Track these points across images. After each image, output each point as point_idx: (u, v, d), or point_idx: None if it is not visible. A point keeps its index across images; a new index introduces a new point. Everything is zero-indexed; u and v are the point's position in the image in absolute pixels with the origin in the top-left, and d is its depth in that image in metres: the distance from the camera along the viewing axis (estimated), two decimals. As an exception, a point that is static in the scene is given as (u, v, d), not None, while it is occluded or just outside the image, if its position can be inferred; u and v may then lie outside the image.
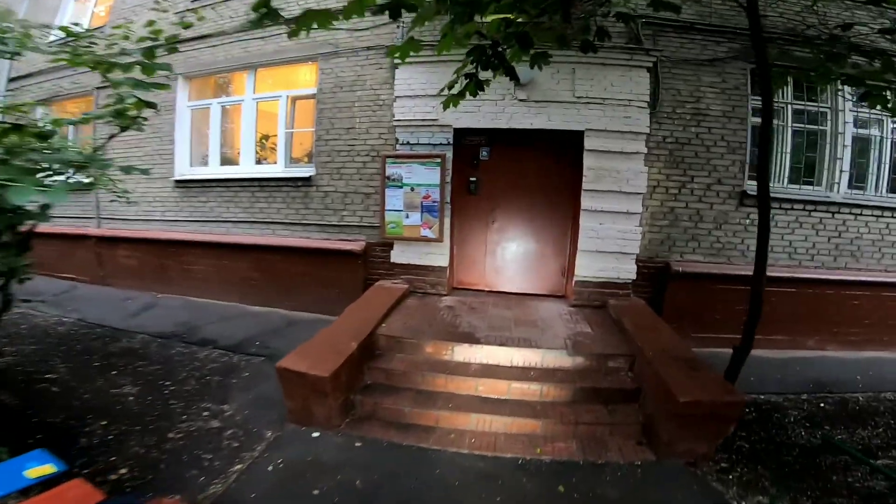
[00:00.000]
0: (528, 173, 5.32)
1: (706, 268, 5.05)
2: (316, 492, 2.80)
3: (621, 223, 4.95)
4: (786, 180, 5.23)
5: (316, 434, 3.40)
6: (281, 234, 5.89)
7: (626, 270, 5.03)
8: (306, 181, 5.72)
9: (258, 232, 6.00)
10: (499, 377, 3.82)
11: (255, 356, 4.75)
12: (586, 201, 4.98)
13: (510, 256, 5.55)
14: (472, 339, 4.16)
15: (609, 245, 4.99)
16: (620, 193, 4.93)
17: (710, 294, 5.00)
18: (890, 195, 5.26)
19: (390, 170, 5.15)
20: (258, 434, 3.40)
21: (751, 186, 4.87)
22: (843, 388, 4.53)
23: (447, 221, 5.23)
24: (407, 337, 4.20)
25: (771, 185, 4.58)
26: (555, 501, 2.80)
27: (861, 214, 5.14)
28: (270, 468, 3.01)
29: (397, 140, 5.26)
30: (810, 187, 5.26)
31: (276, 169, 6.05)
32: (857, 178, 5.24)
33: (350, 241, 5.59)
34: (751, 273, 4.59)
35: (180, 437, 3.32)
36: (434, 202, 5.09)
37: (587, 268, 5.06)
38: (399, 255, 5.42)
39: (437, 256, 5.33)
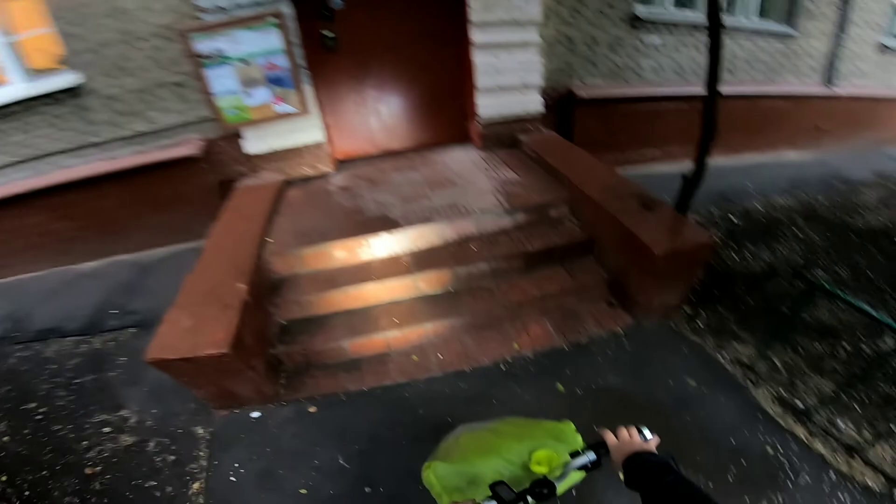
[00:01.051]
0: (399, 15, 3.98)
1: (609, 91, 5.00)
2: (304, 491, 2.29)
3: (520, 54, 4.21)
4: (671, 5, 5.17)
5: (256, 414, 2.73)
6: (69, 165, 4.09)
7: (533, 102, 4.50)
8: (73, 91, 3.81)
9: (32, 173, 4.09)
10: (437, 265, 3.20)
11: (121, 330, 3.57)
12: (477, 35, 4.01)
13: (399, 111, 4.49)
14: (388, 223, 3.35)
15: (510, 79, 4.28)
16: (514, 24, 4.06)
17: (614, 116, 5.07)
18: (759, 20, 5.70)
19: (203, 46, 3.47)
20: (189, 436, 2.66)
21: (641, 11, 4.84)
22: (741, 196, 4.88)
23: (309, 89, 3.92)
24: (306, 245, 3.24)
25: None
26: (563, 406, 2.55)
27: (735, 36, 5.43)
28: (233, 478, 2.39)
29: (199, 8, 3.52)
30: (692, 12, 5.23)
31: (14, 90, 3.83)
32: (731, 5, 5.54)
33: (178, 145, 4.07)
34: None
35: (102, 470, 2.51)
36: (283, 71, 3.67)
37: (490, 106, 4.36)
38: (256, 143, 4.10)
39: (309, 132, 4.12)
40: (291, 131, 4.06)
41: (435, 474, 1.33)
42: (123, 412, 2.86)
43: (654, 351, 2.90)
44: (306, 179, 4.29)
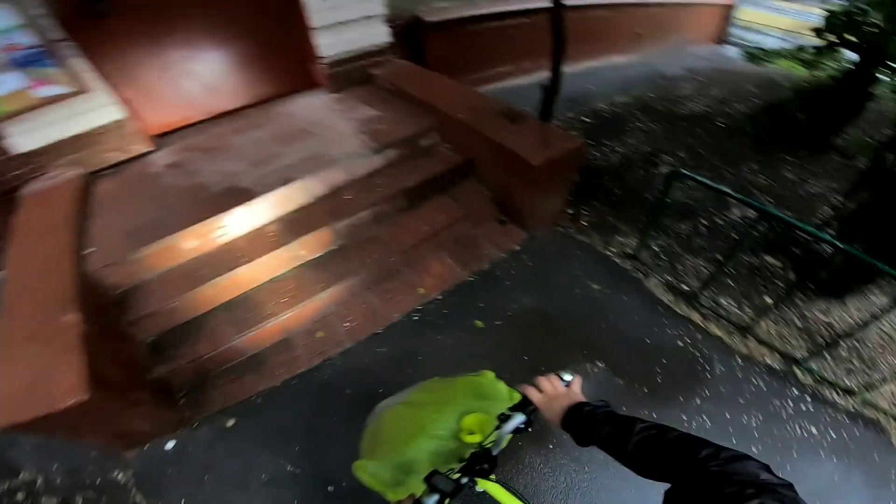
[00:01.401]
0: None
1: (455, 13, 4.87)
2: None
3: (355, -14, 3.71)
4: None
5: (171, 444, 2.29)
6: None
7: (379, 34, 4.07)
8: None
9: None
10: (313, 225, 2.81)
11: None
12: (302, -32, 3.37)
13: (222, 66, 3.67)
14: (241, 194, 2.80)
15: (349, 13, 3.77)
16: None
17: (464, 37, 5.01)
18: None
19: None
20: (115, 483, 2.20)
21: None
22: (587, 99, 5.21)
23: (82, 63, 2.99)
24: (144, 245, 2.56)
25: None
26: (486, 342, 2.49)
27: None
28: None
29: None
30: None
31: None
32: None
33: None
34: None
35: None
36: (31, 49, 2.76)
37: (332, 45, 3.84)
38: (28, 138, 3.03)
39: (99, 111, 3.18)
40: (74, 115, 3.09)
41: (367, 474, 1.23)
42: (25, 475, 2.29)
43: (552, 261, 2.98)
44: (117, 166, 3.38)
